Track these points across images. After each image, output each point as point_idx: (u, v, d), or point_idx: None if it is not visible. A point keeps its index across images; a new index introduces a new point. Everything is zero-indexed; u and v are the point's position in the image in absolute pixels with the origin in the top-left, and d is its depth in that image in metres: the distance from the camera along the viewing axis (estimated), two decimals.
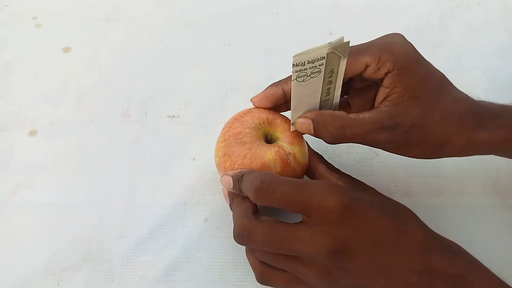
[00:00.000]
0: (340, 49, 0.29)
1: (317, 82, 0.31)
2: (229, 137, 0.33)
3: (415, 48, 0.32)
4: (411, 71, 0.31)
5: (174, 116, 0.44)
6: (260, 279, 0.31)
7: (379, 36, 0.33)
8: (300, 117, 0.33)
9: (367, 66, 0.31)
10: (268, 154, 0.32)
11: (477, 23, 0.54)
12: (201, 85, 0.46)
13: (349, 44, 0.29)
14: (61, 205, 0.38)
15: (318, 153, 0.35)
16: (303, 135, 0.35)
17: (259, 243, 0.28)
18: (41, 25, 0.50)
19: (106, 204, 0.38)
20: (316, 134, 0.33)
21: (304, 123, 0.33)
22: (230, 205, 0.32)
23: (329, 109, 0.34)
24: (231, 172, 0.32)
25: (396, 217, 0.29)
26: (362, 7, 0.54)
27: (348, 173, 0.40)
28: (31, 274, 0.34)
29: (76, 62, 0.48)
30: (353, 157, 0.42)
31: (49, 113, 0.43)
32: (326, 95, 0.32)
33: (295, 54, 0.28)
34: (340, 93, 0.33)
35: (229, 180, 0.31)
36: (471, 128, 0.32)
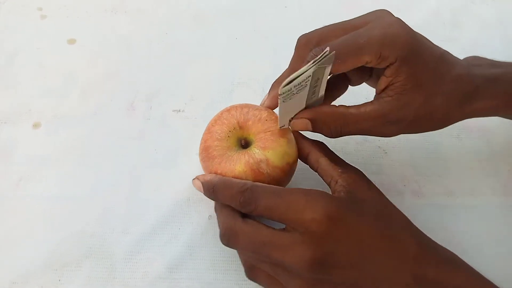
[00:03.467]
0: (326, 61, 0.27)
1: (303, 93, 0.30)
2: (202, 152, 0.33)
3: (414, 34, 0.31)
4: (413, 61, 0.30)
5: (179, 110, 0.43)
6: (248, 275, 0.31)
7: (370, 12, 0.32)
8: (295, 118, 0.32)
9: (366, 63, 0.30)
10: (238, 167, 0.31)
11: (491, 19, 0.53)
12: (207, 79, 0.45)
13: (334, 55, 0.27)
14: (64, 199, 0.37)
15: (319, 142, 0.33)
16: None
17: (242, 246, 0.28)
18: (46, 16, 0.50)
19: (109, 198, 0.37)
20: (315, 131, 0.32)
21: (302, 124, 0.32)
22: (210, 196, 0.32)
23: (316, 102, 0.32)
24: (201, 177, 0.31)
25: (389, 226, 0.28)
26: (372, 1, 0.53)
27: None
28: (32, 268, 0.34)
29: (81, 54, 0.47)
30: (361, 155, 0.41)
31: (53, 105, 0.43)
32: (313, 95, 0.31)
33: (282, 85, 0.27)
34: (325, 86, 0.32)
35: (200, 186, 0.31)
36: (467, 103, 0.32)
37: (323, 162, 0.31)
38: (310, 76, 0.28)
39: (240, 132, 0.33)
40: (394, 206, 0.30)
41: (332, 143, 0.41)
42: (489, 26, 0.52)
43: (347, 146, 0.42)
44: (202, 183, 0.31)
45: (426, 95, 0.30)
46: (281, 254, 0.26)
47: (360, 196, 0.29)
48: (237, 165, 0.31)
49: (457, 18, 0.52)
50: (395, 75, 0.30)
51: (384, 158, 0.41)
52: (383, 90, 0.31)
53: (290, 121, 0.32)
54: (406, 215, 0.37)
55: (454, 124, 0.43)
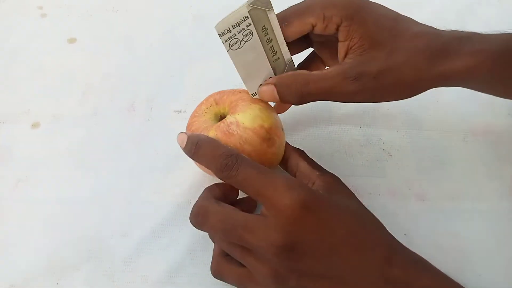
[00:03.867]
0: (260, 2, 0.28)
1: (254, 44, 0.30)
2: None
3: None
4: (361, 19, 0.30)
5: (180, 111, 0.43)
6: (214, 272, 0.30)
7: None
8: (261, 85, 0.32)
9: (313, 26, 0.30)
10: (210, 133, 0.31)
11: (496, 20, 0.52)
12: (209, 80, 0.45)
13: None
14: (62, 202, 0.37)
15: (299, 149, 0.34)
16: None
17: (213, 227, 0.28)
18: (47, 15, 0.49)
19: (108, 201, 0.37)
20: (281, 98, 0.31)
21: (267, 90, 0.32)
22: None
23: (284, 68, 0.33)
24: (188, 133, 0.31)
25: (362, 226, 0.28)
26: (376, 1, 0.52)
27: (360, 175, 0.39)
28: (31, 272, 0.33)
29: (82, 54, 0.46)
30: (365, 158, 0.40)
31: (52, 105, 0.42)
32: (273, 54, 0.31)
33: (215, 24, 0.27)
34: (287, 48, 0.32)
35: (183, 139, 0.30)
36: (441, 59, 0.30)
37: (302, 165, 0.32)
38: (248, 17, 0.28)
39: (216, 108, 0.34)
40: (369, 211, 0.30)
41: (336, 147, 0.41)
42: (494, 28, 0.51)
43: (350, 149, 0.41)
44: (188, 136, 0.30)
45: (386, 51, 0.29)
46: (252, 237, 0.26)
47: (337, 196, 0.29)
48: (210, 131, 0.31)
49: (462, 19, 0.52)
50: (349, 37, 0.30)
51: (388, 160, 0.40)
52: (345, 56, 0.31)
53: None
54: (410, 219, 0.37)
55: (459, 126, 0.43)
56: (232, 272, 0.30)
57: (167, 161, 0.39)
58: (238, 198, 0.33)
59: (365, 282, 0.26)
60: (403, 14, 0.32)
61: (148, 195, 0.37)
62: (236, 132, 0.31)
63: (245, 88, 0.33)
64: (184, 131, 0.33)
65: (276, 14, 0.30)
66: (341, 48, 0.31)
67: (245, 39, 0.29)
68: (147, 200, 0.37)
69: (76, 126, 0.41)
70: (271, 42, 0.31)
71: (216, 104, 0.34)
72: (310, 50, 0.36)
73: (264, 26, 0.29)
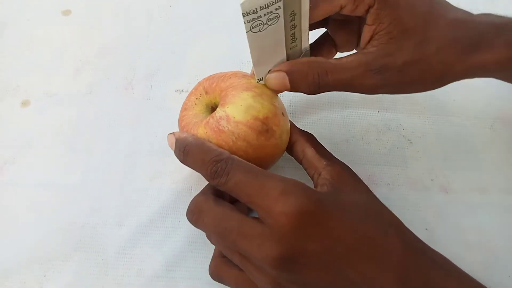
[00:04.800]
0: None
1: (278, 29, 0.26)
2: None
3: None
4: (394, 2, 0.27)
5: (182, 90, 0.39)
6: (212, 274, 0.28)
7: None
8: (270, 71, 0.29)
9: (342, 8, 0.27)
10: (199, 131, 0.28)
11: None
12: (213, 57, 0.41)
13: None
14: (51, 186, 0.34)
15: (307, 133, 0.31)
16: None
17: (207, 228, 0.26)
18: None
19: (102, 187, 0.34)
20: (293, 88, 0.28)
21: (278, 78, 0.28)
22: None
23: (299, 56, 0.29)
24: (177, 134, 0.28)
25: (373, 226, 0.24)
26: None
27: (378, 164, 0.36)
28: (15, 262, 0.30)
29: (76, 27, 0.43)
30: (383, 145, 0.37)
31: (44, 82, 0.39)
32: (292, 41, 0.28)
33: (243, 0, 0.24)
34: (309, 36, 0.28)
35: (172, 142, 0.28)
36: (472, 51, 0.28)
37: (309, 153, 0.29)
38: (279, 0, 0.25)
39: (207, 98, 0.30)
40: (384, 205, 0.27)
41: (351, 133, 0.37)
42: None
43: (368, 135, 0.38)
44: (176, 139, 0.28)
45: (416, 41, 0.27)
46: (247, 244, 0.24)
47: (345, 191, 0.26)
48: (199, 129, 0.28)
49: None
50: (377, 21, 0.27)
51: (409, 148, 0.37)
52: (369, 41, 0.28)
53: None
54: (433, 212, 0.34)
55: (487, 112, 0.39)
56: (231, 276, 0.27)
57: (166, 144, 0.36)
58: None
59: None
60: None
61: (146, 180, 0.34)
62: (226, 128, 0.27)
63: (248, 71, 0.30)
64: (173, 131, 0.30)
65: None
66: (366, 32, 0.28)
67: (269, 23, 0.26)
68: (144, 186, 0.34)
69: (68, 105, 0.38)
70: (294, 29, 0.27)
71: (206, 93, 0.30)
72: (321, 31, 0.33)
73: (293, 11, 0.26)
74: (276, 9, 0.25)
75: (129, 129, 0.37)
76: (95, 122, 0.37)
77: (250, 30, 0.26)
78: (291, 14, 0.26)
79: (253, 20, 0.25)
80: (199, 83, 0.31)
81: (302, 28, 0.28)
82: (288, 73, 0.28)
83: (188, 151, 0.27)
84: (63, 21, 0.43)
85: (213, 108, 0.30)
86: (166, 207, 0.33)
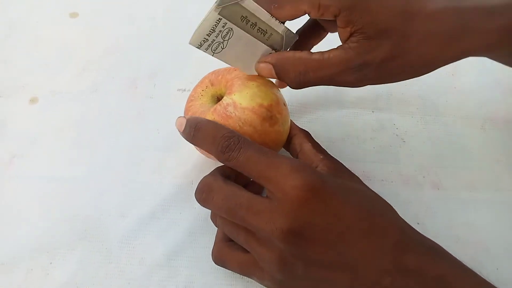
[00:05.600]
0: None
1: (239, 35, 0.28)
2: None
3: None
4: (363, 8, 0.26)
5: (184, 89, 0.41)
6: (215, 258, 0.29)
7: None
8: (259, 61, 0.30)
9: (306, 13, 0.28)
10: (207, 117, 0.30)
11: None
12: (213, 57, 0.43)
13: None
14: (58, 179, 0.35)
15: (304, 130, 0.32)
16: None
17: (216, 205, 0.26)
18: None
19: (106, 180, 0.35)
20: (279, 79, 0.30)
21: (265, 68, 0.30)
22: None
23: (282, 40, 0.30)
24: (188, 116, 0.29)
25: (372, 210, 0.26)
26: None
27: (372, 161, 0.37)
28: (22, 250, 0.32)
29: (83, 28, 0.44)
30: (377, 143, 0.38)
31: (51, 80, 0.41)
32: (263, 34, 0.29)
33: (189, 40, 0.26)
34: (277, 21, 0.29)
35: (182, 123, 0.29)
36: (456, 40, 0.28)
37: (306, 147, 0.30)
38: (220, 19, 0.26)
39: (212, 89, 0.32)
40: (378, 194, 0.28)
41: (347, 131, 0.39)
42: None
43: (363, 134, 0.39)
44: (187, 119, 0.28)
45: (395, 38, 0.27)
46: (256, 219, 0.24)
47: (343, 179, 0.27)
48: (207, 115, 0.30)
49: None
50: (350, 24, 0.27)
51: (402, 147, 0.38)
52: (349, 37, 0.28)
53: None
54: (425, 208, 0.35)
55: (478, 113, 0.41)
56: (234, 259, 0.28)
57: (169, 140, 0.37)
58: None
59: (375, 270, 0.24)
60: None
61: (148, 174, 0.36)
62: (234, 114, 0.29)
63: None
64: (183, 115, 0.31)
65: None
66: (342, 33, 0.28)
67: (226, 38, 0.27)
68: (147, 180, 0.35)
69: (75, 103, 0.39)
70: (256, 26, 0.28)
71: (212, 85, 0.32)
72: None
73: (242, 16, 0.27)
74: (224, 26, 0.26)
75: (132, 126, 0.38)
76: (100, 119, 0.38)
77: (214, 53, 0.27)
78: (242, 18, 0.27)
79: (209, 46, 0.27)
80: (205, 77, 0.33)
81: (264, 19, 0.28)
82: (274, 66, 0.29)
83: (199, 128, 0.27)
84: (71, 22, 0.45)
85: (218, 99, 0.31)
86: (167, 199, 0.34)
